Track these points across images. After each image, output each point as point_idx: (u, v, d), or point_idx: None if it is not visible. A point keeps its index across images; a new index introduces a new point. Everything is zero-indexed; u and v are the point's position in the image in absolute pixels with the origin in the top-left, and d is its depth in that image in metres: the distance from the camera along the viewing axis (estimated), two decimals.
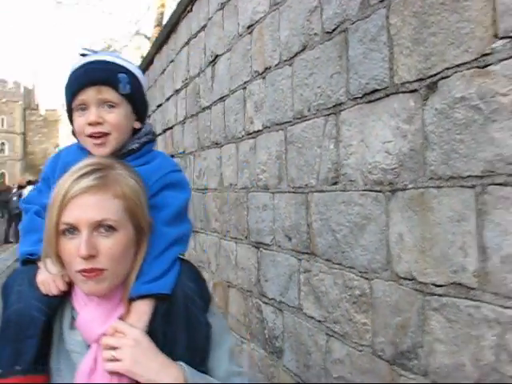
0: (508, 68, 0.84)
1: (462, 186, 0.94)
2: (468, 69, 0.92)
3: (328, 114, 1.38)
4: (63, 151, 1.11)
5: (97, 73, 1.01)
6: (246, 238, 1.99)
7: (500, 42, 0.86)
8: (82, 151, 1.09)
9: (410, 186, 1.08)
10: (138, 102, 1.07)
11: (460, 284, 0.95)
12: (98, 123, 0.99)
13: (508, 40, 0.84)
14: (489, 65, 0.88)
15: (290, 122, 1.60)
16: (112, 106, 1.00)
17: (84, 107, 1.01)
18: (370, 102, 1.21)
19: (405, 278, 1.10)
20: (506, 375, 0.85)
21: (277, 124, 1.70)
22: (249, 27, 1.91)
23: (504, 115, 0.85)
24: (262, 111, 1.81)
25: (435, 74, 1.00)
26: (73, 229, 0.93)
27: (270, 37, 1.73)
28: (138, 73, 1.09)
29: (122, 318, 1.00)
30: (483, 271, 0.89)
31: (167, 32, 3.12)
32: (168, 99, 3.26)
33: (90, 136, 1.00)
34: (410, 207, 1.08)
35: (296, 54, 1.55)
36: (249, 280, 1.99)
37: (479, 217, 0.90)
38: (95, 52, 1.10)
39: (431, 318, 1.02)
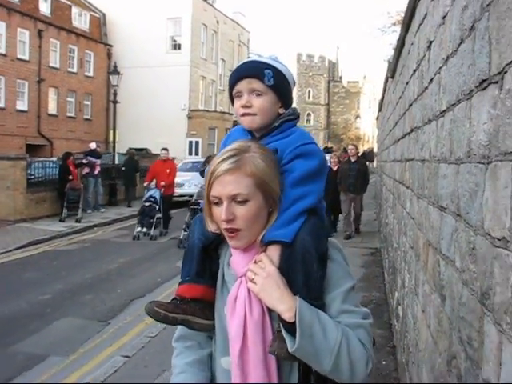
0: None
1: (510, 160, 1.19)
2: None
3: (467, 99, 1.65)
4: (232, 131, 1.50)
5: (248, 69, 1.38)
6: (437, 202, 2.30)
7: None
8: (244, 132, 1.45)
9: (493, 159, 1.34)
10: (281, 92, 1.38)
11: (504, 237, 1.21)
12: (247, 106, 1.35)
13: None
14: None
15: (454, 104, 1.88)
16: (259, 94, 1.35)
17: (240, 95, 1.38)
18: (482, 90, 1.46)
19: (487, 234, 1.37)
20: None
21: (451, 105, 1.98)
22: (443, 17, 2.17)
23: None
24: (445, 93, 2.09)
25: (503, 69, 1.24)
26: (218, 199, 1.33)
27: (448, 29, 1.99)
28: (283, 70, 1.39)
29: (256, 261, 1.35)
30: None
31: (409, 16, 3.43)
32: (410, 78, 3.59)
33: (243, 115, 1.37)
34: (491, 176, 1.34)
35: (458, 46, 1.81)
36: (435, 238, 2.31)
37: None
38: (260, 55, 1.45)
39: (494, 264, 1.30)
